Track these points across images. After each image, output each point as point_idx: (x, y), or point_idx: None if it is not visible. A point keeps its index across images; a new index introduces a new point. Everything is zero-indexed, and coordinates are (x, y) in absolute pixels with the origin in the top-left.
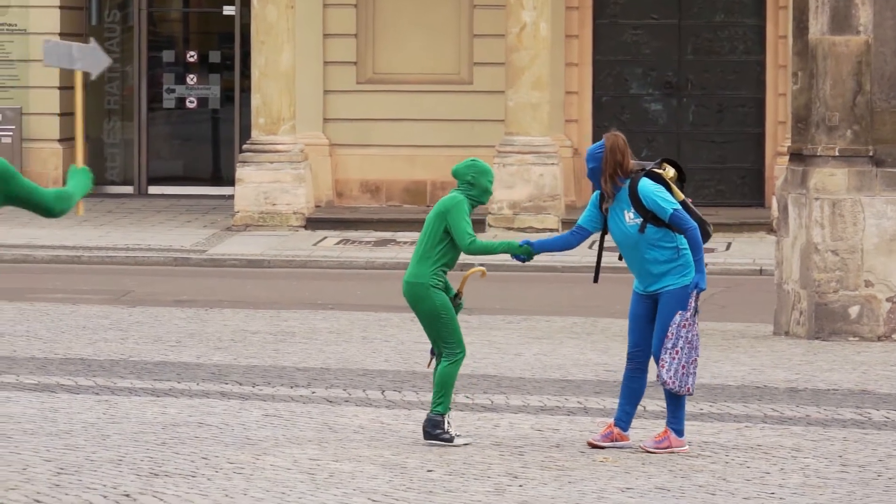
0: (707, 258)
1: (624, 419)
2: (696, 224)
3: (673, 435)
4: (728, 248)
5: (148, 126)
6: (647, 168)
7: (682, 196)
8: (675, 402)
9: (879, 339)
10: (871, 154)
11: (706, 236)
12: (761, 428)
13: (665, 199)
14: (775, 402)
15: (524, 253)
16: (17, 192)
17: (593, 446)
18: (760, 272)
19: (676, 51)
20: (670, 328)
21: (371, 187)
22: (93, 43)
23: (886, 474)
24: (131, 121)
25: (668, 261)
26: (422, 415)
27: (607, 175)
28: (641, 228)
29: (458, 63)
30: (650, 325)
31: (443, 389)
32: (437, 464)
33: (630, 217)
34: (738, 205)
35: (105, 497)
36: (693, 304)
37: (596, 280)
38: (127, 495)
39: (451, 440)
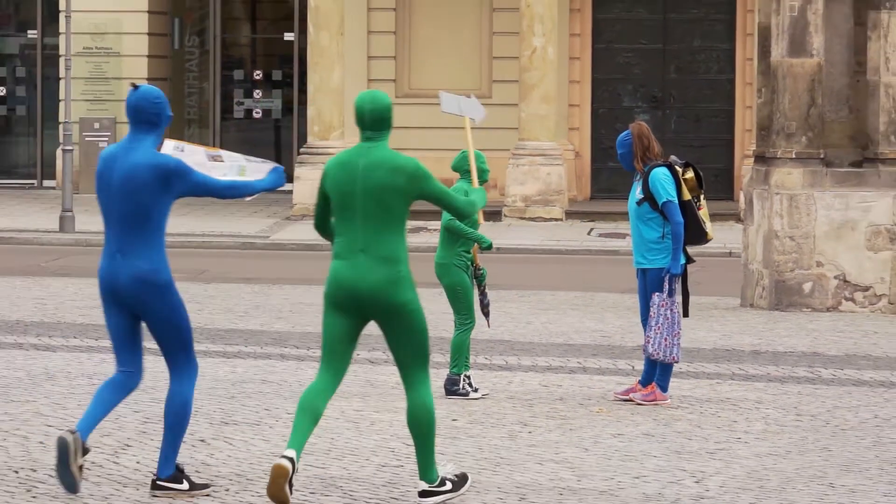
0: None
1: (644, 378)
2: (682, 221)
3: (658, 390)
4: None
5: (221, 133)
6: (670, 161)
7: (688, 196)
8: (663, 366)
9: (828, 310)
10: (822, 157)
11: (699, 239)
12: (730, 384)
13: (665, 189)
14: (741, 363)
15: (486, 244)
16: (431, 193)
17: (637, 403)
18: (730, 255)
19: (661, 71)
20: (652, 308)
21: None
22: (473, 98)
23: (833, 422)
24: (207, 128)
25: (653, 241)
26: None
27: (638, 157)
28: (639, 202)
29: (480, 80)
30: (650, 298)
31: (457, 353)
32: (460, 414)
33: (637, 192)
34: (711, 199)
35: (184, 442)
36: (668, 287)
37: (685, 315)
38: (202, 440)
39: (466, 394)
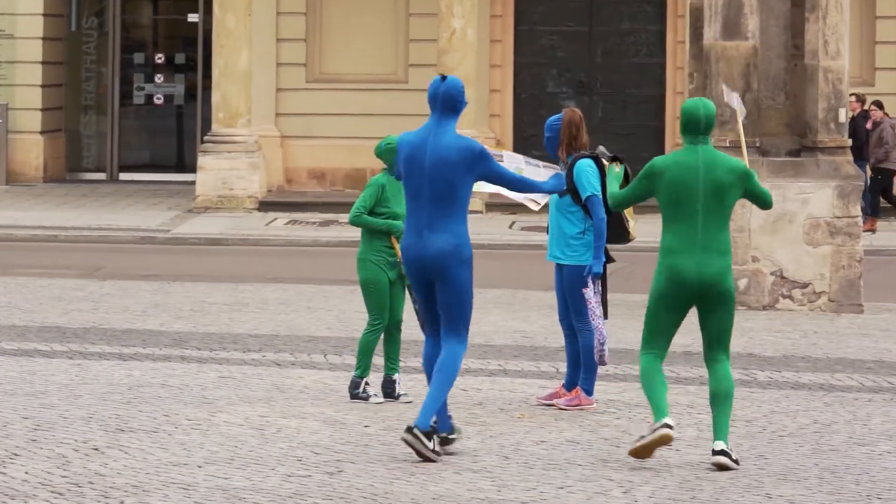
0: None
1: (568, 381)
2: (605, 217)
3: (583, 394)
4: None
5: (120, 120)
6: (598, 153)
7: None
8: (588, 368)
9: (764, 308)
10: (757, 145)
11: (621, 238)
12: None
13: (590, 182)
14: (673, 365)
15: (398, 233)
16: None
17: (561, 408)
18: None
19: (587, 54)
20: (588, 304)
21: (317, 174)
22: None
23: (770, 428)
24: (105, 115)
25: (573, 236)
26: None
27: (563, 145)
28: (561, 194)
29: (396, 64)
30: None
31: (363, 355)
32: (374, 420)
33: None
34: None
35: (76, 450)
36: (591, 286)
37: (605, 316)
38: (96, 449)
39: (367, 399)
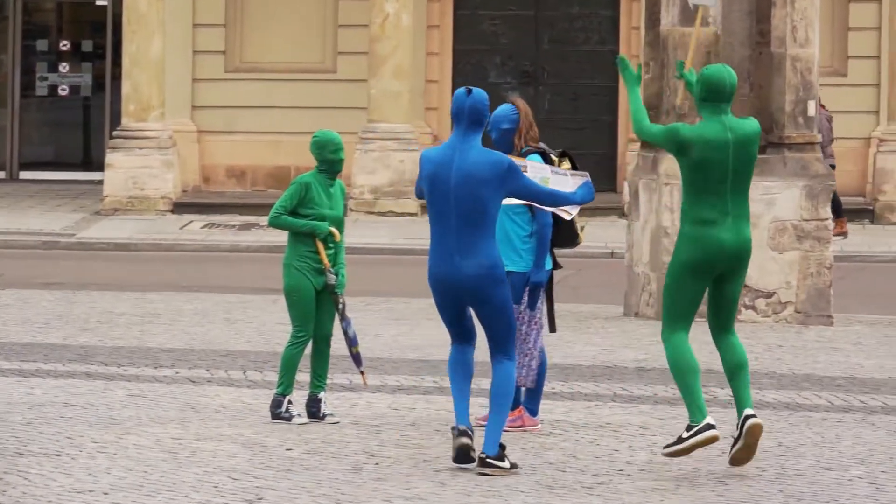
0: None
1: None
2: (551, 223)
3: (526, 414)
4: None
5: (21, 113)
6: (544, 149)
7: None
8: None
9: None
10: None
11: (570, 242)
12: (611, 406)
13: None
14: (625, 382)
15: (322, 235)
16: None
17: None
18: (612, 255)
19: (533, 41)
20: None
21: (237, 173)
22: None
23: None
24: (4, 107)
25: (519, 240)
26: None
27: (523, 133)
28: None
29: (323, 52)
30: None
31: (285, 370)
32: (296, 442)
33: None
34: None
35: None
36: (528, 298)
37: (553, 330)
38: None
39: (289, 419)
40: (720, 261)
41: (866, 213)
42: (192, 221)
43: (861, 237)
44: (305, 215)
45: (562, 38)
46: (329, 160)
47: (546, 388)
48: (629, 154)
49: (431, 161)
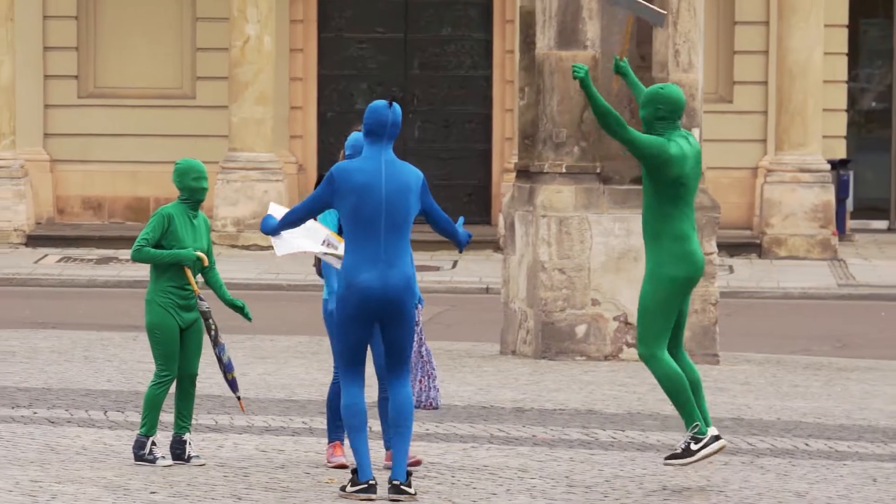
0: (432, 276)
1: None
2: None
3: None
4: (454, 266)
5: None
6: None
7: None
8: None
9: (606, 358)
10: (598, 171)
11: None
12: (487, 448)
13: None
14: (502, 423)
15: (190, 262)
16: None
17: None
18: (487, 291)
19: (403, 65)
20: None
21: (93, 204)
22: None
23: (613, 494)
24: None
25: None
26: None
27: None
28: None
29: (181, 77)
30: None
31: (149, 410)
32: (161, 485)
33: None
34: (466, 223)
35: None
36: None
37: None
38: None
39: (153, 461)
40: (698, 274)
41: (753, 247)
42: (46, 255)
43: (749, 272)
44: (168, 248)
45: (433, 63)
46: (191, 188)
47: (420, 429)
48: (504, 185)
49: (356, 171)
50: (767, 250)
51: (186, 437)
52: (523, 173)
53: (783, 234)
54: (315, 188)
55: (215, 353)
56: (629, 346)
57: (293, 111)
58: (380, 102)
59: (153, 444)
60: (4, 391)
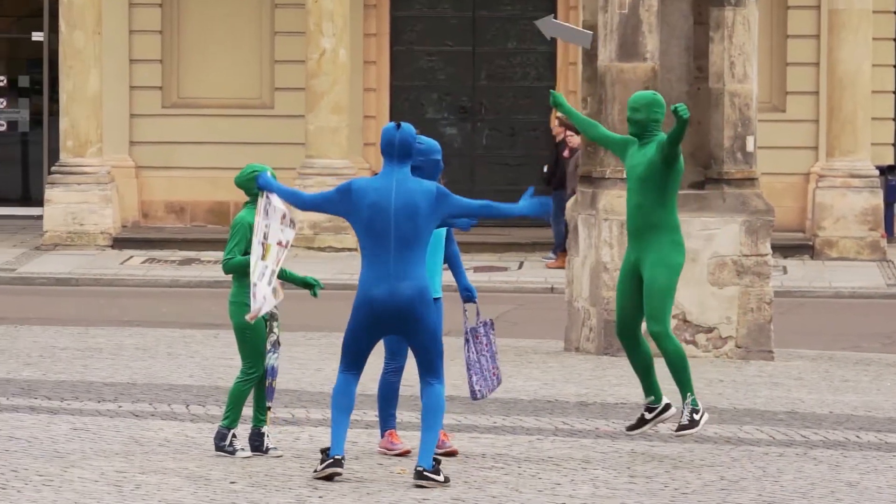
0: (500, 277)
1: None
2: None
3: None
4: (520, 266)
5: None
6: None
7: None
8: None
9: None
10: None
11: None
12: (552, 440)
13: None
14: (566, 416)
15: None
16: None
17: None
18: (552, 290)
19: (470, 77)
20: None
21: (176, 208)
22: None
23: (672, 485)
24: None
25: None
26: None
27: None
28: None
29: (260, 88)
30: None
31: (233, 405)
32: (240, 476)
33: None
34: (529, 225)
35: None
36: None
37: None
38: None
39: (233, 453)
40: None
41: (806, 249)
42: (132, 257)
43: (801, 272)
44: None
45: (499, 74)
46: (256, 194)
47: (488, 422)
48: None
49: (371, 190)
50: (819, 252)
51: (264, 429)
52: (586, 178)
53: (834, 236)
54: None
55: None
56: (687, 342)
57: (367, 120)
58: (390, 125)
59: (234, 436)
60: (91, 386)
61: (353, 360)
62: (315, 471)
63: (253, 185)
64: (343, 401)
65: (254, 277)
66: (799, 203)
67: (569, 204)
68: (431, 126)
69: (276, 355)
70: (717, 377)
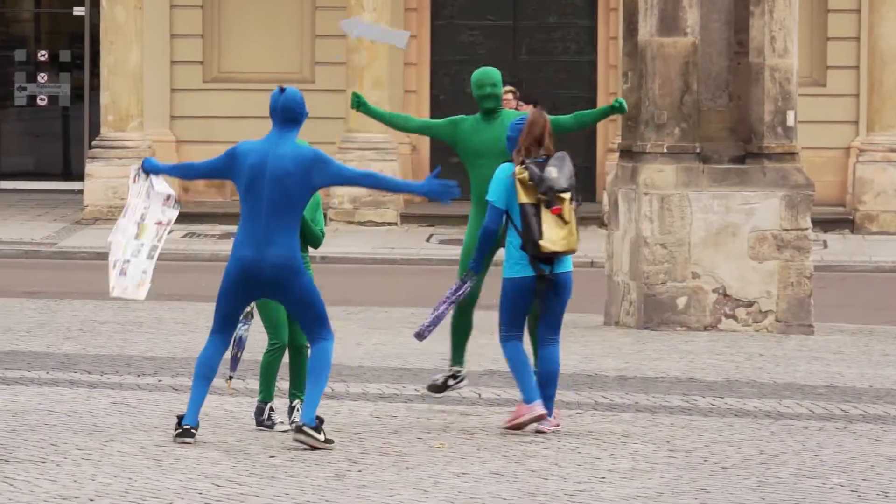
0: None
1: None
2: (493, 228)
3: (521, 402)
4: None
5: (0, 123)
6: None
7: (523, 200)
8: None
9: (705, 328)
10: (697, 151)
11: (532, 249)
12: (592, 415)
13: (491, 188)
14: (605, 390)
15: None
16: None
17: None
18: (591, 264)
19: (511, 51)
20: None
21: (216, 183)
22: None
23: (712, 459)
24: None
25: (510, 247)
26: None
27: (522, 148)
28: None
29: (301, 62)
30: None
31: (263, 378)
32: (279, 450)
33: None
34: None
35: None
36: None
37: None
38: None
39: (272, 426)
40: None
41: (846, 223)
42: (172, 231)
43: (842, 246)
44: None
45: (540, 49)
46: None
47: None
48: (608, 164)
49: (252, 152)
50: (860, 226)
51: (295, 403)
52: (626, 153)
53: (875, 210)
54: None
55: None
56: (727, 317)
57: (407, 94)
58: (276, 89)
59: (271, 409)
60: (131, 360)
61: (221, 325)
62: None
63: None
64: (205, 370)
65: (126, 254)
66: (839, 177)
67: (609, 178)
68: (471, 100)
69: (246, 327)
70: (757, 351)
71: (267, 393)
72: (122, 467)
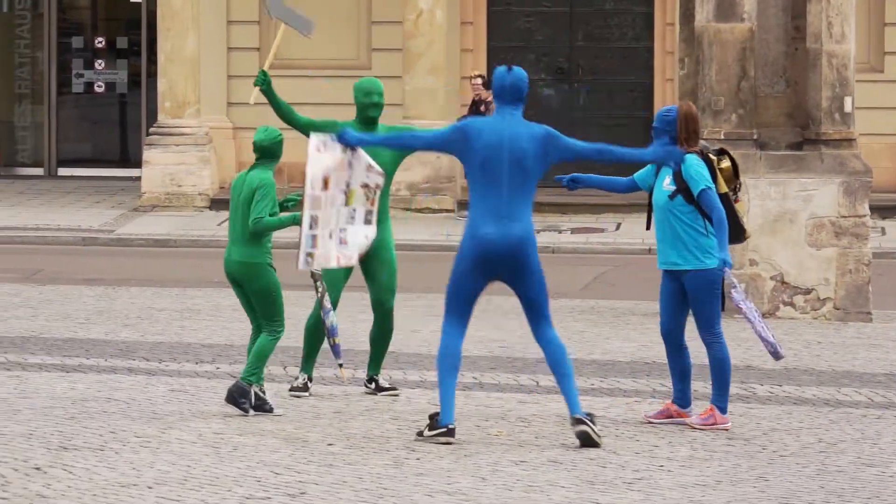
0: (597, 238)
1: (679, 397)
2: (723, 209)
3: (717, 412)
4: (618, 228)
5: (57, 109)
6: (702, 148)
7: (724, 189)
8: (721, 382)
9: (764, 315)
10: (755, 137)
11: (736, 238)
12: (650, 402)
13: (702, 176)
14: (664, 378)
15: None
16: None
17: (649, 422)
18: (649, 251)
19: (567, 37)
20: (743, 310)
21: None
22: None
23: (770, 447)
24: (41, 104)
25: (691, 241)
26: (324, 390)
27: (682, 139)
28: (672, 195)
29: (357, 49)
30: (679, 304)
31: (258, 361)
32: (338, 437)
33: (667, 183)
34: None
35: (16, 470)
36: (737, 286)
37: (648, 227)
38: (37, 468)
39: (247, 412)
40: None
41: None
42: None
43: None
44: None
45: (596, 35)
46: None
47: (585, 384)
48: None
49: (486, 131)
50: None
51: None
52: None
53: None
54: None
55: (321, 316)
56: (785, 304)
57: (464, 81)
58: (501, 68)
59: (262, 391)
60: (189, 347)
61: (458, 310)
62: (420, 433)
63: (279, 149)
64: (447, 363)
65: (340, 222)
66: (895, 164)
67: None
68: (529, 87)
69: (328, 313)
70: (815, 339)
71: (259, 376)
72: (180, 455)
